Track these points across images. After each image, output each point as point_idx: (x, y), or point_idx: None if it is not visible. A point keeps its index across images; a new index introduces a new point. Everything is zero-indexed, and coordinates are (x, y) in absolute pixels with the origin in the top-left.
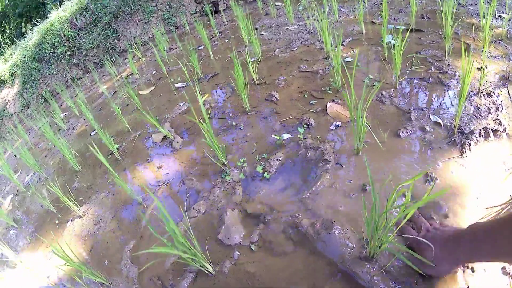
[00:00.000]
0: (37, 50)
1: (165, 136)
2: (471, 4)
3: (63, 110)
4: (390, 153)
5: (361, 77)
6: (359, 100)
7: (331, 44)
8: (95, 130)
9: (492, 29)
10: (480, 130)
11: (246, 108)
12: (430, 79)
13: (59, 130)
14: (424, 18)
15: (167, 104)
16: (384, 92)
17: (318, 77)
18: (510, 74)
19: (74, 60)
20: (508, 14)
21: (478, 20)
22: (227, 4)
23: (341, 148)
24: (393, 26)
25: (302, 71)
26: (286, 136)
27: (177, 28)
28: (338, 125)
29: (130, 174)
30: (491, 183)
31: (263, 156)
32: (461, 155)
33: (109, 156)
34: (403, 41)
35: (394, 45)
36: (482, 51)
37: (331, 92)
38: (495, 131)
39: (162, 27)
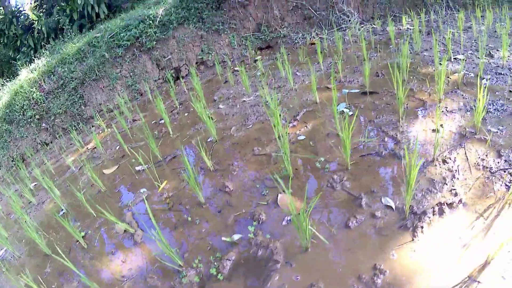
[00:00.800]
0: (8, 111)
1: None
2: (426, 50)
3: (33, 178)
4: (339, 247)
5: (313, 160)
6: (309, 192)
7: (284, 119)
8: (63, 209)
9: (448, 77)
10: (434, 207)
11: (201, 200)
12: (383, 153)
13: (30, 203)
14: (379, 75)
15: (130, 188)
16: (335, 176)
17: (271, 161)
18: (467, 130)
19: (43, 125)
20: (464, 54)
21: (434, 69)
22: (188, 70)
23: (291, 245)
24: (347, 90)
25: (255, 154)
26: (236, 237)
27: (141, 95)
28: (290, 220)
29: (96, 267)
30: (446, 264)
31: (217, 256)
32: (413, 239)
33: (77, 242)
34: (353, 116)
35: (347, 115)
36: (438, 106)
37: (282, 181)
38: (450, 205)
39: (126, 95)
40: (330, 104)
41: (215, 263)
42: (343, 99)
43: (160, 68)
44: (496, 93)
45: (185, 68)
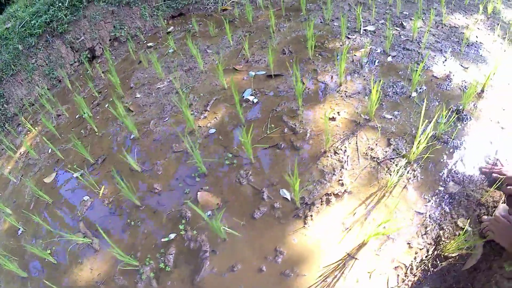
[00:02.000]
0: None
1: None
2: (337, 18)
3: None
4: (248, 236)
5: (223, 155)
6: (222, 188)
7: (196, 110)
8: (20, 228)
9: (354, 54)
10: (322, 197)
11: (136, 203)
12: (283, 144)
13: None
14: (285, 53)
15: (74, 197)
16: (242, 171)
17: (189, 158)
18: (362, 117)
19: None
20: (374, 24)
21: (341, 43)
22: (103, 49)
23: (214, 237)
24: (254, 73)
25: (174, 151)
26: (172, 235)
27: (60, 81)
28: (210, 214)
29: (71, 278)
30: (331, 245)
31: (161, 252)
32: (304, 226)
33: (46, 260)
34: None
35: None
36: (337, 90)
37: (199, 179)
38: (336, 195)
39: (45, 85)
40: (238, 89)
41: (162, 259)
42: (250, 83)
43: (75, 51)
44: (399, 72)
45: (99, 47)
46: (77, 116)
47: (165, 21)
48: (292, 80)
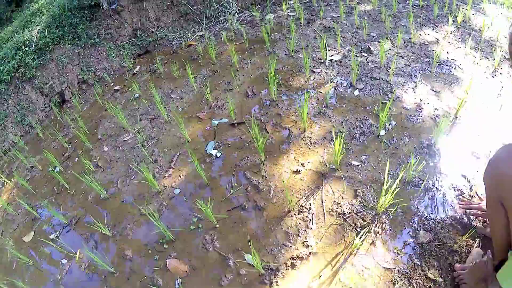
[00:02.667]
0: None
1: None
2: (302, 49)
3: None
4: None
5: (189, 218)
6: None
7: (159, 169)
8: None
9: (319, 90)
10: (286, 262)
11: (111, 270)
12: (247, 205)
13: None
14: (248, 95)
15: (52, 260)
16: (207, 237)
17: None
18: (328, 166)
19: None
20: (339, 53)
21: (306, 80)
22: (71, 93)
23: None
24: (217, 121)
25: (142, 214)
26: None
27: (32, 127)
28: (179, 283)
29: None
30: None
31: None
32: None
33: None
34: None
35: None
36: (302, 137)
37: (167, 246)
38: (301, 258)
39: (18, 131)
40: (201, 142)
41: None
42: (213, 134)
43: (44, 96)
44: (367, 108)
45: (68, 91)
46: (49, 169)
47: (132, 60)
48: (255, 129)
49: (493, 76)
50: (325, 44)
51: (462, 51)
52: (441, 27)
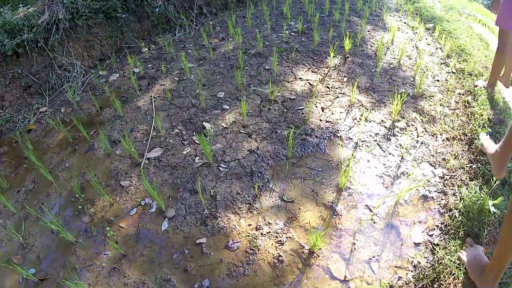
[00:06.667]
0: None
1: None
2: (125, 136)
3: None
4: None
5: None
6: None
7: None
8: None
9: (119, 225)
10: None
11: None
12: None
13: None
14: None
15: None
16: None
17: None
18: None
19: None
20: (163, 141)
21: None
22: None
23: None
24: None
25: None
26: None
27: None
28: None
29: None
30: None
31: None
32: None
33: None
34: None
35: None
36: None
37: None
38: None
39: None
40: None
41: None
42: None
43: None
44: (174, 256)
45: None
46: None
47: None
48: None
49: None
50: (153, 126)
51: (343, 103)
52: (321, 61)
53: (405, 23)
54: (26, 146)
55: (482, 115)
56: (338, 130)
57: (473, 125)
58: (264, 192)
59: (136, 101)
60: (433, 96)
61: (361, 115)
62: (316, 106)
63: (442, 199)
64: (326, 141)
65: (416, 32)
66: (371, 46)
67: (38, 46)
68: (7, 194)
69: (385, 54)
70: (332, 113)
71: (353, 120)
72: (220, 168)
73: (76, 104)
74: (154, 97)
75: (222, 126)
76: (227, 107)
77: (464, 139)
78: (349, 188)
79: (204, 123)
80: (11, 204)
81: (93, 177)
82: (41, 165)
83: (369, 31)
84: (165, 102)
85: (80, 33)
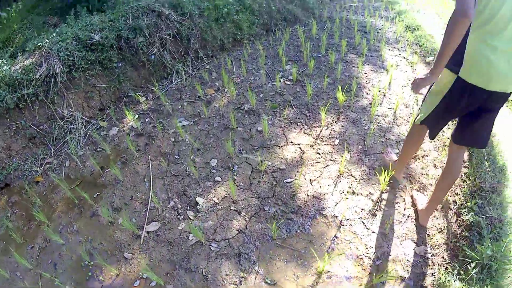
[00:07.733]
0: None
1: None
2: (126, 204)
3: None
4: None
5: None
6: None
7: None
8: None
9: None
10: None
11: None
12: None
13: None
14: None
15: None
16: None
17: None
18: None
19: None
20: (160, 214)
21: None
22: None
23: None
24: None
25: None
26: None
27: None
28: None
29: None
30: None
31: None
32: None
33: None
34: None
35: None
36: None
37: None
38: None
39: None
40: None
41: None
42: None
43: None
44: None
45: None
46: None
47: None
48: None
49: None
50: (151, 197)
51: (332, 173)
52: (314, 118)
53: (404, 57)
54: (35, 202)
55: (475, 180)
56: (324, 208)
57: (464, 190)
58: (250, 275)
59: (134, 163)
60: (427, 156)
61: (349, 187)
62: (305, 178)
63: (419, 280)
64: (311, 220)
65: (415, 69)
66: (367, 93)
67: (39, 99)
68: (22, 248)
69: (380, 104)
70: (320, 186)
71: (341, 194)
72: (212, 247)
73: (79, 160)
74: (151, 160)
75: (214, 201)
76: (219, 178)
77: (453, 208)
78: (329, 271)
79: (197, 198)
80: (26, 260)
81: (98, 245)
82: (50, 227)
83: (366, 74)
84: (162, 168)
85: (78, 84)
